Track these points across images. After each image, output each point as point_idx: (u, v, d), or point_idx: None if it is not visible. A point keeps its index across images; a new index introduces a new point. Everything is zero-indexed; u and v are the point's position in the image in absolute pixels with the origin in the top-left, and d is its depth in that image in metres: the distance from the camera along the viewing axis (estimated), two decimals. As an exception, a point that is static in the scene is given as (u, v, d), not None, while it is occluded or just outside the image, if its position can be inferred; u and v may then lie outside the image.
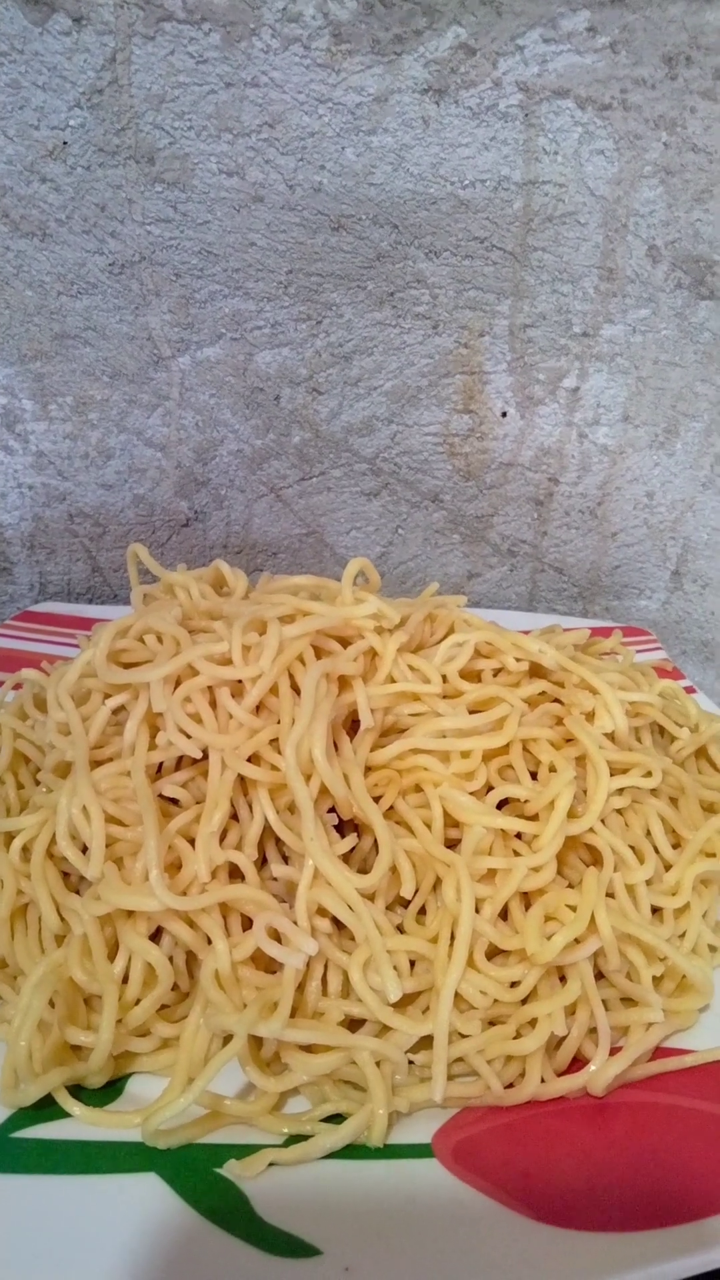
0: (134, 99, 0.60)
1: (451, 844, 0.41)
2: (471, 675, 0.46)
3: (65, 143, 0.61)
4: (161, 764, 0.41)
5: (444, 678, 0.44)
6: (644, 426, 0.74)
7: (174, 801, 0.41)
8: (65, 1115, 0.36)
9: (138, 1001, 0.38)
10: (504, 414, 0.74)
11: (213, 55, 0.59)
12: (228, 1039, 0.38)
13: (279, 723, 0.39)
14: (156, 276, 0.66)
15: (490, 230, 0.67)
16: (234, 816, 0.40)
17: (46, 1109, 0.36)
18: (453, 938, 0.38)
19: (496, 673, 0.46)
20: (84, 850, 0.39)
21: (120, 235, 0.64)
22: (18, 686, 0.51)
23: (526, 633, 0.49)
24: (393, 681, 0.43)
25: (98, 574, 0.79)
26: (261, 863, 0.40)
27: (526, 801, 0.42)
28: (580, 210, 0.67)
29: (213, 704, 0.40)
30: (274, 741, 0.39)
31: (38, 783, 0.46)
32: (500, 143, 0.64)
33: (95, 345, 0.68)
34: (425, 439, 0.74)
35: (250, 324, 0.69)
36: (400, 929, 0.40)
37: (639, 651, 0.67)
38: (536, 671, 0.47)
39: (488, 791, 0.42)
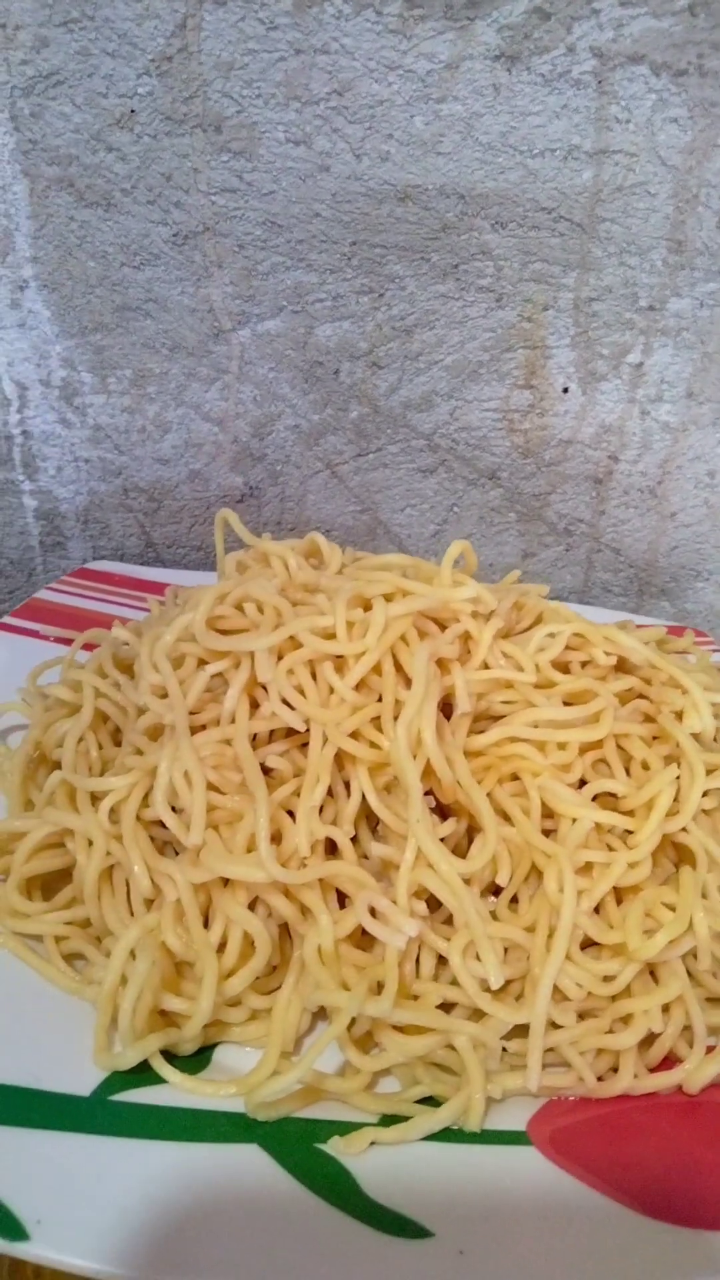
0: (203, 66, 0.59)
1: (544, 834, 0.41)
2: (559, 666, 0.46)
3: (133, 111, 0.60)
4: (256, 734, 0.40)
5: (536, 667, 0.44)
6: (708, 403, 0.73)
7: (268, 773, 0.40)
8: (159, 1081, 0.36)
9: (233, 972, 0.38)
10: (565, 390, 0.73)
11: (283, 21, 0.58)
12: (318, 1012, 0.38)
13: (380, 700, 0.39)
14: (219, 248, 0.65)
15: (558, 201, 0.66)
16: (327, 793, 0.40)
17: (138, 1074, 0.36)
18: (551, 928, 0.38)
19: (583, 665, 0.46)
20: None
21: (185, 205, 0.63)
22: (87, 646, 0.51)
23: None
24: (487, 667, 0.42)
25: (151, 549, 0.78)
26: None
27: (622, 797, 0.41)
28: (651, 180, 0.65)
29: (312, 677, 0.40)
30: (375, 720, 0.39)
31: (116, 744, 0.46)
32: (572, 111, 0.63)
33: (156, 317, 0.68)
34: (484, 415, 0.73)
35: (312, 296, 0.68)
36: (493, 916, 0.39)
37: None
38: (621, 667, 0.47)
39: (581, 785, 0.42)
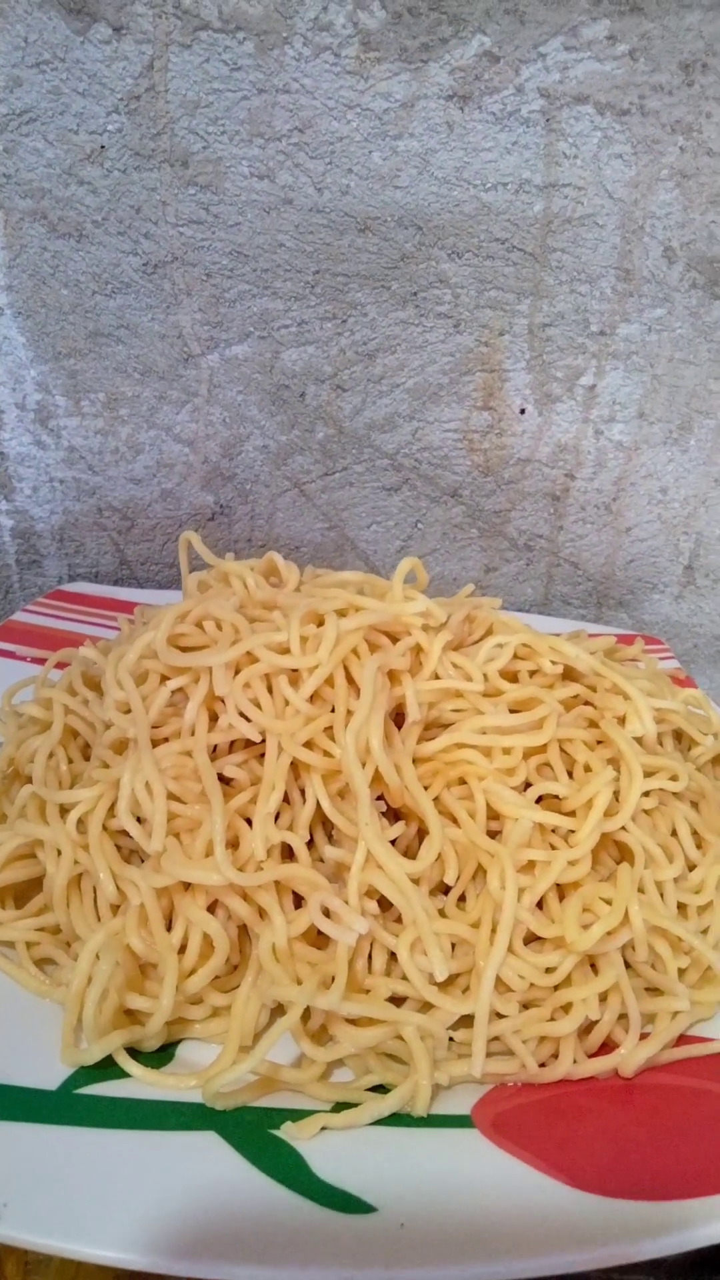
0: (170, 105, 0.61)
1: (489, 835, 0.43)
2: (509, 675, 0.48)
3: (103, 147, 0.62)
4: (216, 745, 0.43)
5: (485, 676, 0.46)
6: (658, 423, 0.76)
7: (227, 782, 0.42)
8: (123, 1076, 0.38)
9: (193, 971, 0.39)
10: (522, 411, 0.75)
11: (246, 63, 0.61)
12: (277, 1009, 0.41)
13: (333, 711, 0.41)
14: (188, 276, 0.68)
15: (511, 232, 0.69)
16: (284, 799, 0.42)
17: (104, 1070, 0.38)
18: (494, 924, 0.40)
19: (532, 674, 0.48)
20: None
21: (154, 236, 0.66)
22: (60, 665, 0.53)
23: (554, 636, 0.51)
24: (437, 678, 0.45)
25: (125, 566, 0.81)
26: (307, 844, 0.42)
27: (564, 799, 0.44)
28: (599, 212, 0.68)
29: (268, 690, 0.42)
30: (328, 729, 0.41)
31: (85, 758, 0.48)
32: (522, 147, 0.66)
33: (127, 343, 0.70)
34: (445, 435, 0.76)
35: (277, 323, 0.71)
36: (442, 913, 0.42)
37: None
38: (569, 675, 0.49)
39: (526, 787, 0.44)
